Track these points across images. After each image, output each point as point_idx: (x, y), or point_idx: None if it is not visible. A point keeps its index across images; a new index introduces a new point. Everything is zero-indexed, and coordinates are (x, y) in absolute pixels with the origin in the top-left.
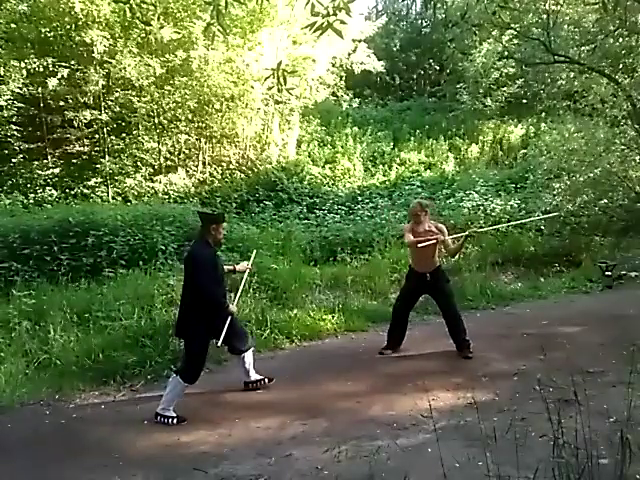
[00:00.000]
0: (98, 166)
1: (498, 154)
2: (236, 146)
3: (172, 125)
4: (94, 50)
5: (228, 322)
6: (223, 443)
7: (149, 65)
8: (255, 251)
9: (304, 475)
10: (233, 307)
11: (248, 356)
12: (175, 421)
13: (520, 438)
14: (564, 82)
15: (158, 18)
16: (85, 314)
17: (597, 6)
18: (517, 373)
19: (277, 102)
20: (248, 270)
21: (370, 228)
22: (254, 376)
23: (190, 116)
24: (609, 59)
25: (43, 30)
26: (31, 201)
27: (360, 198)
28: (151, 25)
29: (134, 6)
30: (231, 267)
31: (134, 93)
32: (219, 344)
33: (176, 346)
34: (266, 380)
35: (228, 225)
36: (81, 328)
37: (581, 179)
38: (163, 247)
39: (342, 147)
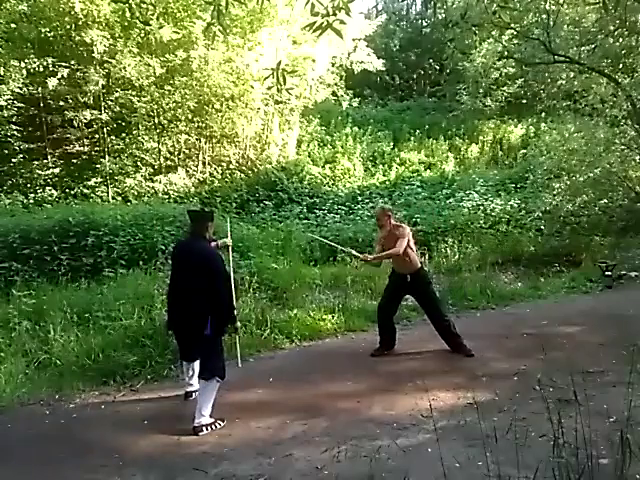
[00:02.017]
0: (98, 166)
1: (498, 154)
2: (236, 146)
3: (172, 125)
4: (94, 50)
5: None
6: (223, 443)
7: (149, 65)
8: (229, 221)
9: (304, 475)
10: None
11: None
12: (220, 423)
13: (520, 438)
14: (564, 82)
15: (158, 18)
16: (85, 314)
17: (597, 6)
18: (517, 373)
19: (277, 102)
20: (230, 243)
21: (370, 228)
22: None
23: (190, 116)
24: (609, 59)
25: (43, 30)
26: (31, 201)
27: (360, 198)
28: (151, 25)
29: (134, 6)
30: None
31: (134, 93)
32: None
33: (176, 346)
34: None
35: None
36: (81, 328)
37: (581, 179)
38: (163, 247)
39: (342, 147)
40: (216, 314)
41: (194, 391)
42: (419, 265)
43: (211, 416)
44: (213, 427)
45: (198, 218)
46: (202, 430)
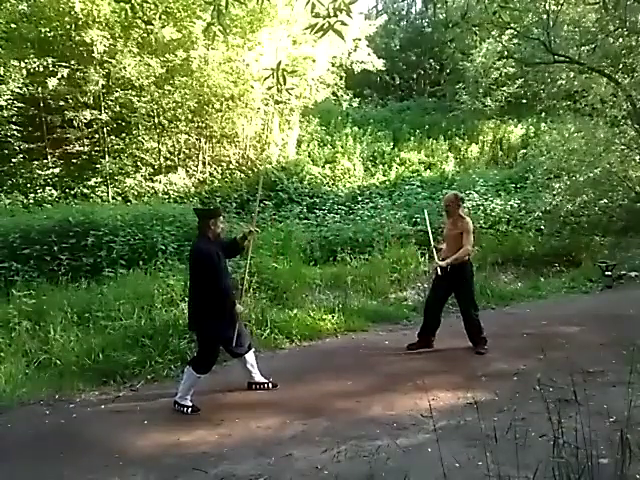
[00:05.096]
0: (98, 166)
1: (498, 154)
2: (236, 146)
3: (172, 125)
4: (94, 50)
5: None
6: (223, 443)
7: (149, 65)
8: (257, 209)
9: (304, 475)
10: (239, 307)
11: (249, 357)
12: (189, 410)
13: (520, 438)
14: (564, 82)
15: (160, 17)
16: (85, 314)
17: (597, 6)
18: (517, 373)
19: (277, 102)
20: (255, 232)
21: (370, 228)
22: (258, 377)
23: (190, 116)
24: (609, 59)
25: (43, 30)
26: (31, 201)
27: (360, 198)
28: (152, 25)
29: (136, 6)
30: (240, 235)
31: (134, 93)
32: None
33: (176, 346)
34: (270, 385)
35: (228, 225)
36: (81, 328)
37: (581, 179)
38: (163, 247)
39: (342, 147)
40: (210, 303)
41: (255, 383)
42: (466, 259)
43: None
44: (186, 410)
45: (200, 216)
46: (174, 406)
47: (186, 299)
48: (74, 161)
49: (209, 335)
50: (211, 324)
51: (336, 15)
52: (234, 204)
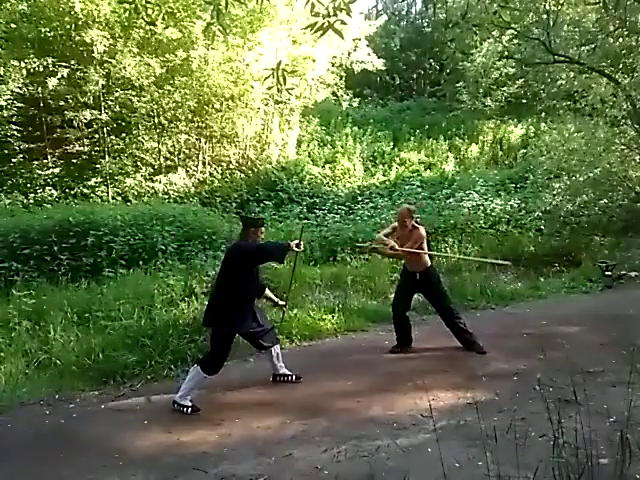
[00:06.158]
0: (98, 166)
1: (498, 154)
2: (236, 146)
3: (172, 125)
4: (94, 50)
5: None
6: (223, 443)
7: (149, 65)
8: (302, 227)
9: (304, 475)
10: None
11: (275, 349)
12: (190, 411)
13: (520, 438)
14: (564, 82)
15: (163, 18)
16: (85, 314)
17: (597, 6)
18: (517, 373)
19: (277, 102)
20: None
21: (370, 228)
22: (283, 370)
23: (190, 116)
24: (609, 59)
25: (43, 30)
26: (31, 201)
27: (360, 198)
28: (156, 25)
29: (139, 6)
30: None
31: (134, 93)
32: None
33: (176, 346)
34: (294, 377)
35: (229, 225)
36: (81, 328)
37: (581, 179)
38: (163, 247)
39: (342, 147)
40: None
41: (280, 375)
42: (429, 264)
43: (191, 401)
44: (185, 410)
45: (246, 224)
46: (174, 405)
47: (186, 299)
48: (74, 161)
49: (227, 331)
50: (233, 320)
51: (336, 14)
52: (234, 204)
